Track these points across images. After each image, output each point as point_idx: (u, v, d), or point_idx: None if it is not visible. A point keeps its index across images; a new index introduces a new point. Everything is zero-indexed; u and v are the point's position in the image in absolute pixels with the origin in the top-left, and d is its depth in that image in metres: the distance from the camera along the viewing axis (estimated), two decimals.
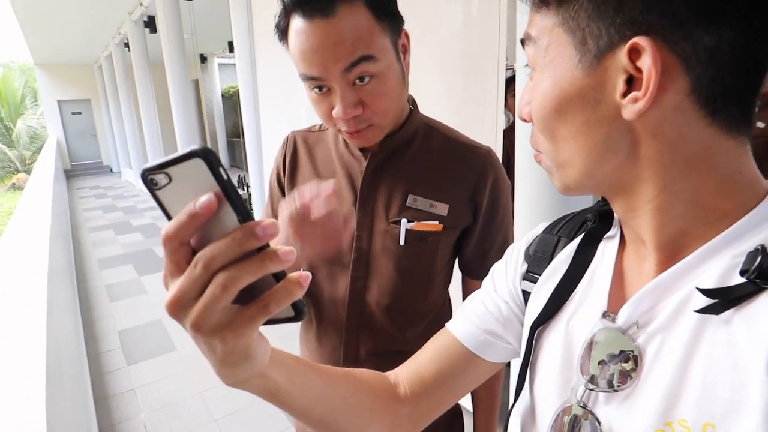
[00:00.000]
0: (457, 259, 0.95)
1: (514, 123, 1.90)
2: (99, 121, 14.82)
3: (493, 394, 0.96)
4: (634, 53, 0.36)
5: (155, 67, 8.20)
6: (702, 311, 0.37)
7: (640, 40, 0.35)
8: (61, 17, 7.86)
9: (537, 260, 0.57)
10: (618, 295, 0.47)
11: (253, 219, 0.33)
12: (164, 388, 2.84)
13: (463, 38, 1.82)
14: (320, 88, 0.75)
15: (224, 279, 0.33)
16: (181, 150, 0.31)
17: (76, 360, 2.57)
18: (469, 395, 1.01)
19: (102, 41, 10.33)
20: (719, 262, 0.38)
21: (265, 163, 4.01)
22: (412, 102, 0.90)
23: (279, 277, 0.35)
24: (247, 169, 4.55)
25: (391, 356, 0.87)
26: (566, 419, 0.46)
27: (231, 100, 12.91)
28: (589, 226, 0.53)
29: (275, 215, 0.97)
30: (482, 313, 0.61)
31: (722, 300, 0.36)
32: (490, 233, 0.89)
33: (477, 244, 0.89)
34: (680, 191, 0.39)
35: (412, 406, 0.60)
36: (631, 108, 0.37)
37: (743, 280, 0.36)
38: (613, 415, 0.43)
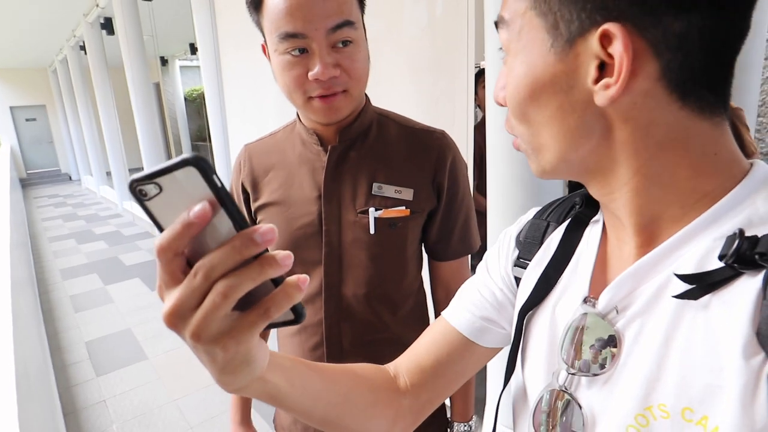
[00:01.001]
0: (423, 245, 0.97)
1: (484, 118, 1.94)
2: (55, 127, 14.20)
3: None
4: (605, 39, 0.36)
5: (114, 71, 7.94)
6: (680, 296, 0.38)
7: (611, 27, 0.35)
8: (9, 19, 7.53)
9: (527, 246, 0.57)
10: (600, 279, 0.47)
11: (249, 225, 0.33)
12: (137, 398, 2.77)
13: (431, 36, 1.85)
14: (299, 50, 0.76)
15: (224, 287, 0.32)
16: (172, 159, 0.31)
17: (42, 373, 2.48)
18: None
19: (56, 44, 9.92)
20: (698, 246, 0.38)
21: (234, 167, 3.96)
22: (365, 95, 0.92)
23: (277, 281, 0.34)
24: None
25: (374, 345, 0.90)
26: (544, 399, 0.47)
27: (194, 104, 12.64)
28: (577, 210, 0.54)
29: None
30: (477, 299, 0.61)
31: (700, 285, 0.37)
32: (453, 213, 0.92)
33: (441, 225, 0.92)
34: (655, 174, 0.40)
35: (413, 396, 0.61)
36: (603, 94, 0.37)
37: (721, 264, 0.36)
38: (595, 399, 0.43)
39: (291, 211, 0.89)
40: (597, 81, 0.37)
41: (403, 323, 0.93)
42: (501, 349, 0.62)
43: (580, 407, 0.44)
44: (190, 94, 13.05)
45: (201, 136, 12.36)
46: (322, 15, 0.73)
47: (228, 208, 0.32)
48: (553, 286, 0.52)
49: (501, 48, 0.45)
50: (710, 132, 0.38)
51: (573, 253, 0.51)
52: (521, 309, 0.54)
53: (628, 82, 0.36)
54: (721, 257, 0.36)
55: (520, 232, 0.60)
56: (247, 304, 0.34)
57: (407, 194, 0.86)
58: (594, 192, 0.46)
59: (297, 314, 0.36)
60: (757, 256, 0.34)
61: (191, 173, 0.31)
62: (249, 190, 0.94)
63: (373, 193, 0.86)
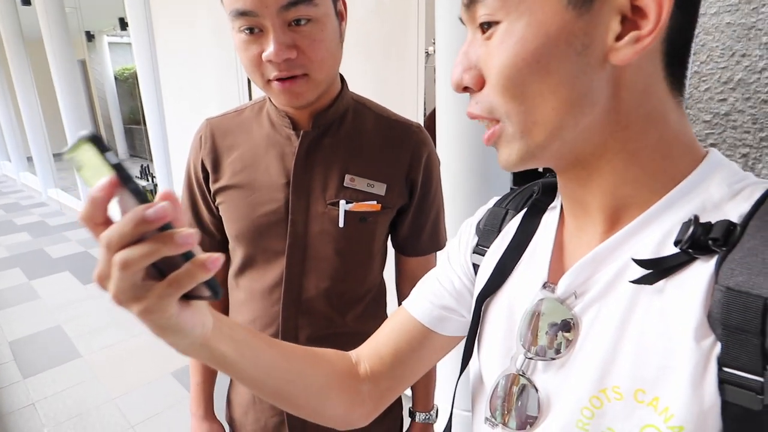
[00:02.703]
0: (390, 238, 0.95)
1: (433, 111, 1.93)
2: None
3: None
4: None
5: (32, 45, 7.28)
6: (637, 282, 0.38)
7: None
8: None
9: (486, 233, 0.57)
10: (558, 266, 0.48)
11: (148, 201, 0.34)
12: (70, 399, 2.60)
13: (379, 18, 1.82)
14: (251, 29, 0.70)
15: (121, 259, 0.34)
16: (76, 136, 0.33)
17: None
18: None
19: None
20: (655, 231, 0.39)
21: (172, 152, 3.76)
22: (342, 79, 0.88)
23: (188, 257, 0.36)
24: (151, 159, 4.23)
25: (330, 339, 0.86)
26: (500, 384, 0.48)
27: (126, 83, 11.86)
28: (534, 198, 0.54)
29: (201, 215, 0.91)
30: (436, 289, 0.61)
31: (656, 270, 0.37)
32: (425, 210, 0.90)
33: (412, 221, 0.90)
34: (637, 150, 0.39)
35: (372, 383, 0.61)
36: (629, 50, 0.35)
37: (676, 250, 0.37)
38: (551, 383, 0.44)
39: (255, 196, 0.83)
40: (619, 38, 0.35)
41: (361, 319, 0.90)
42: (462, 338, 0.62)
43: (537, 390, 0.45)
44: (120, 73, 12.23)
45: (134, 118, 11.63)
46: None
47: (126, 184, 0.34)
48: (510, 273, 0.52)
49: (482, 23, 0.39)
50: (677, 110, 0.39)
51: (530, 240, 0.52)
52: (479, 295, 0.54)
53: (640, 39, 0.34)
54: (676, 243, 0.37)
55: (481, 220, 0.60)
56: (166, 274, 0.36)
57: (380, 189, 0.83)
58: (569, 176, 0.44)
59: (212, 290, 0.38)
60: (710, 242, 0.35)
61: (90, 150, 0.33)
62: (209, 169, 0.87)
63: (344, 185, 0.82)
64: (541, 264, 0.48)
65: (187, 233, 0.34)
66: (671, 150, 0.39)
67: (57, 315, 3.60)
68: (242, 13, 0.69)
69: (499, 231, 0.56)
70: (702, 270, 0.36)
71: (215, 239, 0.93)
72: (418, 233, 0.91)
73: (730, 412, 0.33)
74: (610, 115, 0.39)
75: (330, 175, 0.82)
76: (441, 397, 1.07)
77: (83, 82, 7.56)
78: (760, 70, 0.93)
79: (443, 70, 1.46)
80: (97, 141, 0.33)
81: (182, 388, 2.62)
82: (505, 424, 0.47)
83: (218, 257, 0.36)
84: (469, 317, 0.60)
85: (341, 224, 0.82)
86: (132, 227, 0.34)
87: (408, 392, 1.02)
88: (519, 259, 0.52)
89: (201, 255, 0.36)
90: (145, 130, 3.99)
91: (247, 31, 0.70)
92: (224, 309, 1.00)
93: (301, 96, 0.75)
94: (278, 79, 0.73)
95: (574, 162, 0.43)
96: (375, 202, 0.83)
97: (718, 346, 0.34)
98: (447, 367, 1.76)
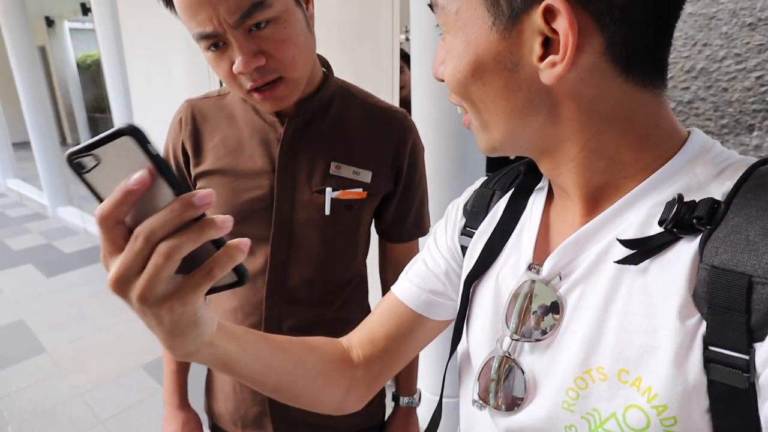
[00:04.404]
0: (374, 224, 0.95)
1: (406, 97, 1.94)
2: None
3: None
4: (549, 14, 0.35)
5: None
6: (621, 262, 0.38)
7: (555, 2, 0.34)
8: None
9: (474, 214, 0.57)
10: (544, 247, 0.48)
11: (189, 190, 0.34)
12: (35, 395, 2.52)
13: (353, 4, 1.81)
14: (216, 45, 0.69)
15: (166, 248, 0.33)
16: (108, 130, 0.32)
17: None
18: None
19: None
20: (638, 212, 0.39)
21: None
22: (327, 65, 0.87)
23: (219, 244, 0.36)
24: None
25: (313, 328, 0.87)
26: (487, 366, 0.48)
27: (89, 71, 11.44)
28: (520, 178, 0.54)
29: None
30: (423, 273, 0.62)
31: (641, 250, 0.38)
32: (409, 196, 0.90)
33: (397, 208, 0.90)
34: (601, 147, 0.40)
35: (366, 368, 0.61)
36: (549, 72, 0.36)
37: (661, 229, 0.37)
38: (537, 364, 0.44)
39: (238, 182, 0.82)
40: (542, 58, 0.36)
41: (344, 306, 0.91)
42: (452, 321, 0.63)
43: (523, 372, 0.45)
44: (83, 60, 11.78)
45: (99, 106, 11.20)
46: (224, 8, 0.65)
47: (166, 175, 0.34)
48: (497, 255, 0.52)
49: (437, 25, 0.43)
50: (652, 104, 0.39)
51: (517, 222, 0.52)
52: (467, 278, 0.54)
53: (574, 59, 0.35)
54: (660, 222, 0.37)
55: (468, 201, 0.59)
56: (191, 268, 0.36)
57: (365, 176, 0.83)
58: (542, 167, 0.46)
59: (240, 275, 0.38)
60: (694, 221, 0.35)
61: (127, 143, 0.32)
62: (189, 151, 0.85)
63: (330, 172, 0.81)
64: (527, 245, 0.49)
65: (225, 218, 0.35)
66: (643, 141, 0.40)
67: (19, 309, 3.48)
68: (203, 36, 0.68)
69: (487, 212, 0.56)
70: (686, 249, 0.36)
71: None
72: (402, 219, 0.92)
73: (716, 391, 0.33)
74: (559, 122, 0.40)
75: (316, 163, 0.82)
76: (422, 383, 1.08)
77: (43, 70, 7.25)
78: (721, 59, 0.97)
79: (418, 55, 1.47)
80: (138, 133, 0.32)
81: (154, 381, 2.57)
82: (492, 406, 0.47)
83: (248, 241, 0.36)
84: (458, 300, 0.60)
85: (327, 212, 0.81)
86: (178, 214, 0.33)
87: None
88: (506, 240, 0.52)
89: (233, 240, 0.36)
90: (111, 118, 3.86)
91: (213, 48, 0.70)
92: None
93: (285, 99, 0.75)
94: (256, 89, 0.72)
95: (541, 155, 0.44)
96: (361, 190, 0.83)
97: (704, 325, 0.34)
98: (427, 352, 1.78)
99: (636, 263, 0.38)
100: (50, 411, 2.40)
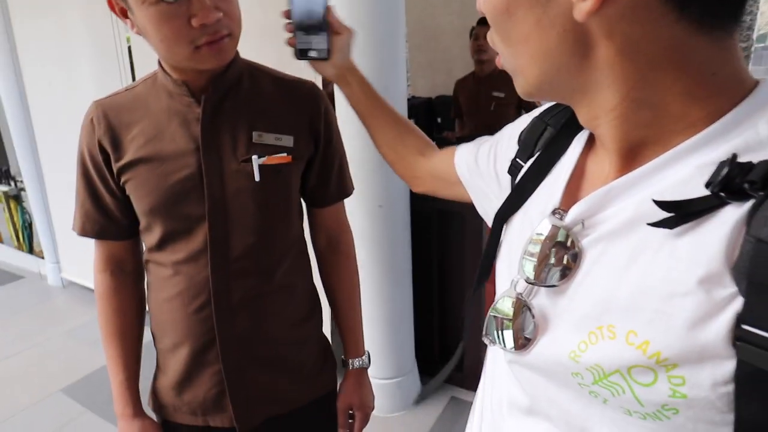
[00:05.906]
0: (301, 194, 0.99)
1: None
2: None
3: (355, 311, 1.06)
4: None
5: None
6: (655, 225, 0.35)
7: None
8: None
9: (524, 147, 0.55)
10: (575, 193, 0.46)
11: None
12: None
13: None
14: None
15: None
16: None
17: None
18: (329, 320, 1.09)
19: None
20: (681, 171, 0.35)
21: (42, 151, 3.38)
22: None
23: None
24: (8, 161, 3.77)
25: (262, 298, 0.90)
26: (499, 304, 0.48)
27: None
28: (569, 116, 0.50)
29: (103, 201, 0.90)
30: (475, 161, 0.68)
31: (679, 213, 0.33)
32: (329, 158, 0.97)
33: (319, 170, 0.96)
34: (645, 98, 0.36)
35: (425, 175, 0.83)
36: (581, 6, 0.33)
37: (704, 192, 0.33)
38: (548, 309, 0.43)
39: (164, 166, 0.84)
40: None
41: (288, 273, 0.94)
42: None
43: (533, 316, 0.44)
44: None
45: None
46: None
47: None
48: (530, 194, 0.50)
49: None
50: (709, 49, 0.34)
51: (555, 162, 0.50)
52: (497, 215, 0.53)
53: None
54: (707, 184, 0.33)
55: (523, 130, 0.57)
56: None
57: (287, 141, 0.88)
58: (579, 117, 0.43)
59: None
60: (747, 185, 0.30)
61: None
62: (108, 149, 0.86)
63: (253, 141, 0.85)
64: (557, 189, 0.46)
65: None
66: (696, 92, 0.35)
67: None
68: None
69: (535, 147, 0.53)
70: (730, 216, 0.31)
71: (121, 225, 0.91)
72: (326, 182, 0.97)
73: (743, 372, 0.30)
74: (596, 66, 0.37)
75: (238, 134, 0.85)
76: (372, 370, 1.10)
77: None
78: None
79: None
80: None
81: (76, 403, 2.40)
82: (501, 345, 0.47)
83: None
84: (475, 198, 0.69)
85: (257, 178, 0.85)
86: None
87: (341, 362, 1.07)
88: (541, 180, 0.50)
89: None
90: (7, 126, 3.54)
91: (167, 0, 0.72)
92: (140, 297, 0.98)
93: (227, 54, 0.81)
94: (208, 43, 0.76)
95: (579, 103, 0.41)
96: (286, 154, 0.87)
97: (739, 301, 0.30)
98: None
99: (671, 227, 0.34)
100: None
